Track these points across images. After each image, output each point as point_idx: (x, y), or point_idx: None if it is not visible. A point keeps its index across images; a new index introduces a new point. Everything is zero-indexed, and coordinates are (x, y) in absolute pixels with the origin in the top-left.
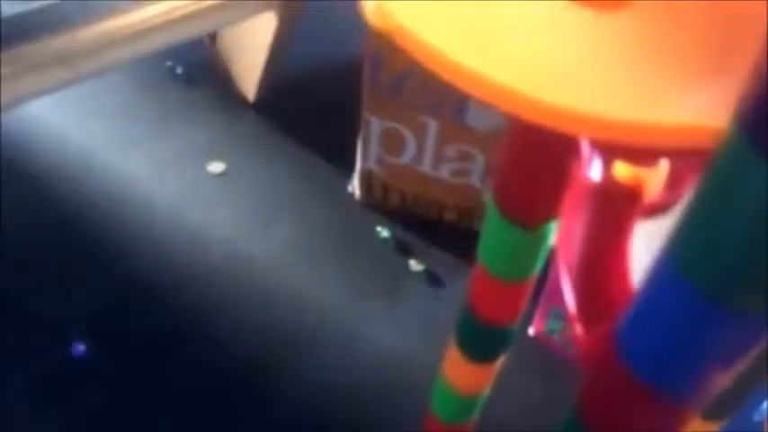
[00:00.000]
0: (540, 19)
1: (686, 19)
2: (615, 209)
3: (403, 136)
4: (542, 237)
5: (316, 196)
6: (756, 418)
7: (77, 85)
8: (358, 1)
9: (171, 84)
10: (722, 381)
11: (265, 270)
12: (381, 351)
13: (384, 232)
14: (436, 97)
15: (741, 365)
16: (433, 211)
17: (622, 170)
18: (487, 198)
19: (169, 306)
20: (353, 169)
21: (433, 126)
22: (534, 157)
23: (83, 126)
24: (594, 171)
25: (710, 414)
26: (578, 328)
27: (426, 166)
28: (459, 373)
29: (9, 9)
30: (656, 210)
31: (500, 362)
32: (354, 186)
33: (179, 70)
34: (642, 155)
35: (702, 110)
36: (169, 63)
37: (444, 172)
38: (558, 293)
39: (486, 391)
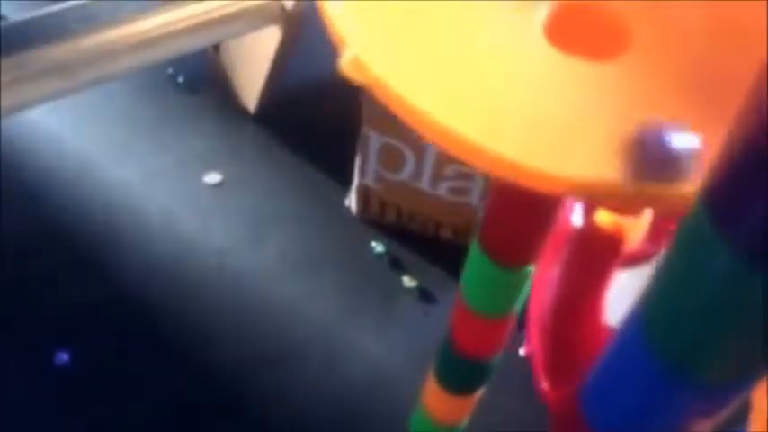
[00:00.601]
0: (525, 72)
1: (680, 71)
2: (595, 256)
3: (402, 153)
4: (525, 275)
5: (312, 210)
6: None
7: (75, 94)
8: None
9: (171, 92)
10: None
11: (256, 282)
12: (369, 367)
13: (379, 247)
14: None
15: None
16: (429, 228)
17: (604, 218)
18: (473, 238)
19: (157, 316)
20: (351, 184)
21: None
22: (519, 201)
23: (80, 131)
24: (576, 217)
25: None
26: (544, 384)
27: (425, 183)
28: (438, 403)
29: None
30: (636, 259)
31: (478, 394)
32: (351, 201)
33: (180, 79)
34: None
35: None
36: (170, 71)
37: (443, 190)
38: None
39: (465, 421)
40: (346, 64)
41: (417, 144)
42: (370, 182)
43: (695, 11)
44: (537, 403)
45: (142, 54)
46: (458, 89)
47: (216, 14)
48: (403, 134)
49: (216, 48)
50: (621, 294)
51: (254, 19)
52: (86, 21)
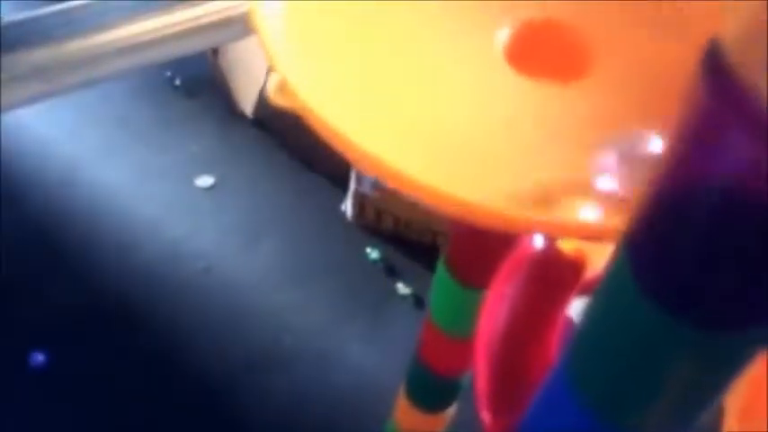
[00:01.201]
0: (472, 93)
1: (642, 93)
2: (554, 281)
3: None
4: None
5: (306, 215)
6: None
7: (70, 93)
8: None
9: (169, 94)
10: None
11: (246, 287)
12: (359, 374)
13: (374, 254)
14: None
15: None
16: (426, 235)
17: (567, 242)
18: (439, 259)
19: (141, 319)
20: (347, 190)
21: None
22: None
23: (74, 132)
24: (538, 240)
25: None
26: (485, 414)
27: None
28: (409, 420)
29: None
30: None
31: (450, 411)
32: (347, 207)
33: (178, 81)
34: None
35: None
36: (168, 74)
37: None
38: None
39: None
40: (273, 89)
41: None
42: (366, 189)
43: (658, 32)
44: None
45: (132, 57)
46: (397, 116)
47: (211, 18)
48: None
49: (215, 51)
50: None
51: (248, 25)
52: (72, 24)
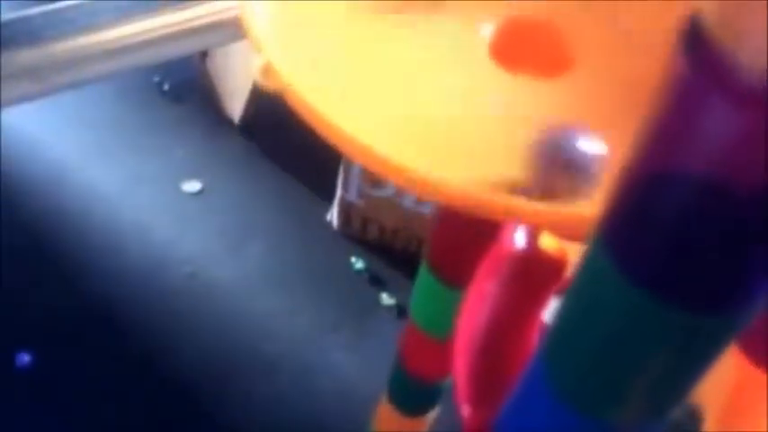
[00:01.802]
0: (456, 86)
1: (626, 89)
2: (535, 279)
3: None
4: None
5: (291, 223)
6: None
7: (59, 95)
8: None
9: (156, 99)
10: None
11: (231, 294)
12: (341, 384)
13: (359, 263)
14: None
15: None
16: (412, 245)
17: (548, 241)
18: (422, 259)
19: (126, 324)
20: (334, 199)
21: None
22: (466, 219)
23: (60, 135)
24: (519, 238)
25: None
26: (465, 409)
27: (409, 201)
28: (390, 425)
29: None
30: None
31: (431, 416)
32: (333, 216)
33: (166, 86)
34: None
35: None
36: (157, 78)
37: (427, 208)
38: None
39: None
40: (258, 70)
41: None
42: (352, 197)
43: (644, 27)
44: None
45: (122, 58)
46: (380, 103)
47: (201, 21)
48: None
49: (203, 57)
50: None
51: (238, 28)
52: (62, 24)
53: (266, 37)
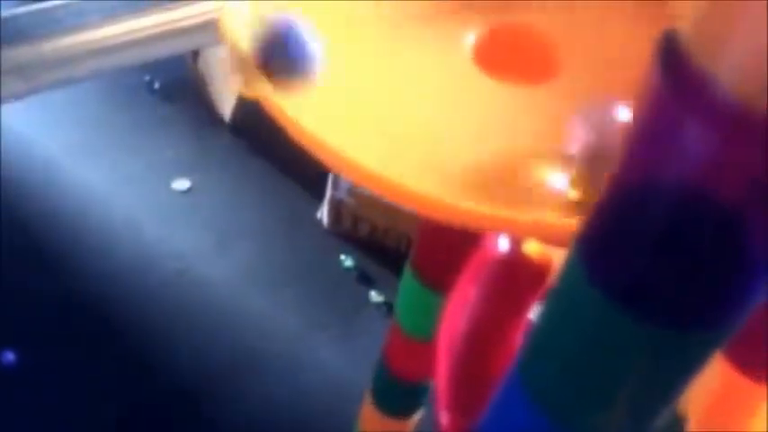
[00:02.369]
0: (437, 92)
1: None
2: (518, 285)
3: None
4: None
5: (281, 221)
6: None
7: (49, 94)
8: None
9: (147, 98)
10: None
11: (219, 291)
12: (329, 381)
13: (348, 261)
14: None
15: None
16: (402, 243)
17: (532, 246)
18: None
19: (114, 320)
20: (324, 197)
21: None
22: (447, 225)
23: (51, 134)
24: (502, 243)
25: None
26: (444, 416)
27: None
28: (375, 426)
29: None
30: None
31: (414, 419)
32: (323, 214)
33: (157, 85)
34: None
35: None
36: (147, 77)
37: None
38: None
39: None
40: (237, 80)
41: None
42: (343, 195)
43: (623, 33)
44: None
45: (112, 57)
46: (361, 111)
47: (191, 21)
48: None
49: (194, 57)
50: None
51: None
52: (53, 23)
53: (247, 47)
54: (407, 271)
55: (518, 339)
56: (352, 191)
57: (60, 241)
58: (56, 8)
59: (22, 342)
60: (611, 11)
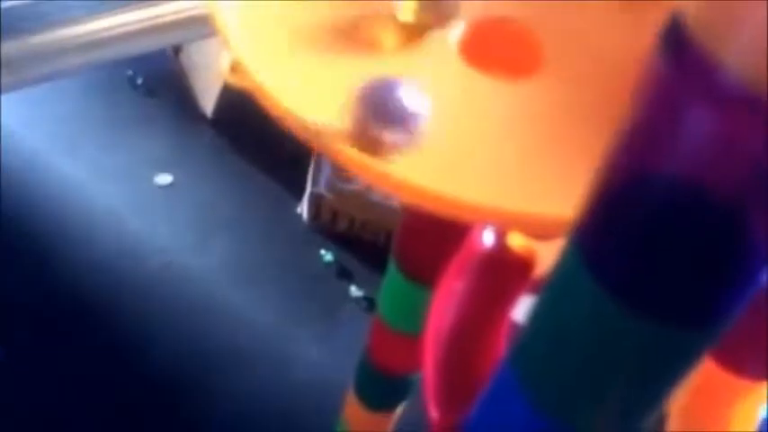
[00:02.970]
0: (426, 88)
1: (594, 89)
2: (503, 278)
3: None
4: None
5: (261, 216)
6: None
7: (31, 88)
8: None
9: (129, 93)
10: None
11: (200, 286)
12: (313, 376)
13: (328, 256)
14: None
15: None
16: (380, 238)
17: (517, 239)
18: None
19: (96, 315)
20: (304, 192)
21: None
22: (433, 216)
23: (34, 127)
24: (487, 237)
25: None
26: (433, 411)
27: (378, 193)
28: (357, 420)
29: None
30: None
31: (396, 412)
32: (303, 209)
33: (139, 80)
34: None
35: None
36: (130, 72)
37: (396, 201)
38: None
39: None
40: (227, 68)
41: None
42: (322, 190)
43: (610, 29)
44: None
45: (96, 52)
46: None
47: (174, 17)
48: None
49: (176, 52)
50: None
51: (211, 24)
52: (38, 17)
53: (235, 35)
54: (391, 264)
55: (504, 333)
56: (332, 186)
57: (42, 234)
58: (41, 2)
59: (7, 337)
60: (595, 2)
